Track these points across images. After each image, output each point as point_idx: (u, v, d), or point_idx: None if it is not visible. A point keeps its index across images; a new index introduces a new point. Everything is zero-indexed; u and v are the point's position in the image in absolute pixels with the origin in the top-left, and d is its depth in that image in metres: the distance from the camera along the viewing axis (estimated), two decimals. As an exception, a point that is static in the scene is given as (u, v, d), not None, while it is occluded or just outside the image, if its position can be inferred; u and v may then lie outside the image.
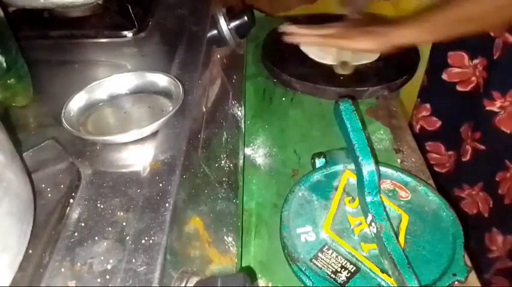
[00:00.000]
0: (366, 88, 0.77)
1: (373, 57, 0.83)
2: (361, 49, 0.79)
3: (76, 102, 0.50)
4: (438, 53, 0.89)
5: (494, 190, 0.84)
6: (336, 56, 0.83)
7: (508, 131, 0.77)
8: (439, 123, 0.94)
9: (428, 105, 0.95)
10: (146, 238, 0.34)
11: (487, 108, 0.78)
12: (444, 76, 0.88)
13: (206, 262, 0.40)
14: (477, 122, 0.84)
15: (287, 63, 0.85)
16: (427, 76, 0.95)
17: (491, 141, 0.81)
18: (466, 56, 0.83)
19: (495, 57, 0.76)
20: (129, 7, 0.68)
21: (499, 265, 0.88)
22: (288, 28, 0.86)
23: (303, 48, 0.87)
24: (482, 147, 0.83)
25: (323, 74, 0.81)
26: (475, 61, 0.82)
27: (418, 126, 0.98)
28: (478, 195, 0.87)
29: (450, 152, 0.95)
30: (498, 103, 0.77)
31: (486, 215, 0.87)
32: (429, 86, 0.94)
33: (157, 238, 0.34)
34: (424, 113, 0.96)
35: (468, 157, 0.86)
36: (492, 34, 0.75)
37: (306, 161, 0.65)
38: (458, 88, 0.87)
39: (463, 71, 0.85)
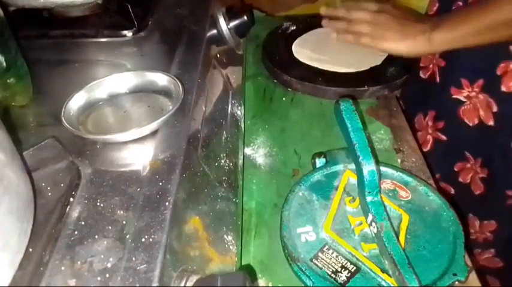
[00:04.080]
0: (366, 88, 0.77)
1: (380, 60, 0.84)
2: (388, 51, 0.77)
3: (76, 102, 0.50)
4: None
5: (455, 180, 0.84)
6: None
7: (471, 124, 0.76)
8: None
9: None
10: (146, 237, 0.35)
11: (454, 96, 0.77)
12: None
13: (206, 260, 0.41)
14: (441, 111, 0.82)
15: (287, 63, 0.85)
16: None
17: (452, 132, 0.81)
18: None
19: None
20: (129, 7, 0.69)
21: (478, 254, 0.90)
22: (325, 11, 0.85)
23: (296, 54, 0.88)
24: (443, 137, 0.82)
25: (323, 74, 0.81)
26: None
27: None
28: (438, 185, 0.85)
29: None
30: (465, 92, 0.75)
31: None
32: None
33: (157, 236, 0.35)
34: None
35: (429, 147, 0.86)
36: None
37: (306, 161, 0.66)
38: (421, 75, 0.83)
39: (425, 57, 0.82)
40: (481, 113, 0.75)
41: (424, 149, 0.83)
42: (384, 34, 0.75)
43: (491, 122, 0.74)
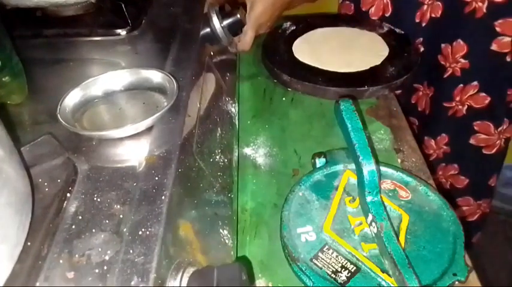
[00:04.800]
0: (366, 88, 0.79)
1: (380, 60, 0.86)
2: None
3: (71, 99, 0.52)
4: None
5: (415, 111, 1.08)
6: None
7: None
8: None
9: None
10: (143, 230, 0.37)
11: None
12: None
13: (202, 252, 0.43)
14: None
15: (287, 63, 0.88)
16: None
17: None
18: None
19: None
20: (123, 5, 0.71)
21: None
22: None
23: (296, 54, 0.90)
24: None
25: (323, 74, 0.83)
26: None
27: None
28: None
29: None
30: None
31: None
32: None
33: (154, 229, 0.37)
34: None
35: None
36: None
37: (307, 161, 0.68)
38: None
39: None
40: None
41: None
42: None
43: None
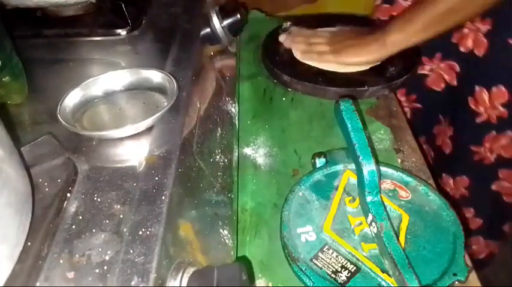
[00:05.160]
0: (366, 88, 0.79)
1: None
2: (351, 64, 0.84)
3: (71, 99, 0.52)
4: None
5: (433, 142, 1.01)
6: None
7: (438, 89, 0.95)
8: None
9: None
10: (143, 230, 0.37)
11: (419, 72, 0.93)
12: None
13: (202, 252, 0.43)
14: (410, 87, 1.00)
15: (287, 63, 0.88)
16: None
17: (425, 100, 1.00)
18: None
19: None
20: (123, 5, 0.71)
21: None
22: (284, 40, 0.93)
23: (295, 55, 0.90)
24: (419, 105, 1.02)
25: (323, 74, 0.84)
26: None
27: None
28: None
29: None
30: (428, 67, 0.94)
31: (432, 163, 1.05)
32: None
33: (154, 229, 0.37)
34: None
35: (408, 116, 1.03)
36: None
37: (307, 160, 0.68)
38: None
39: None
40: (446, 77, 0.92)
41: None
42: (343, 49, 0.84)
43: (454, 82, 0.91)
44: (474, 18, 0.81)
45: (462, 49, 0.86)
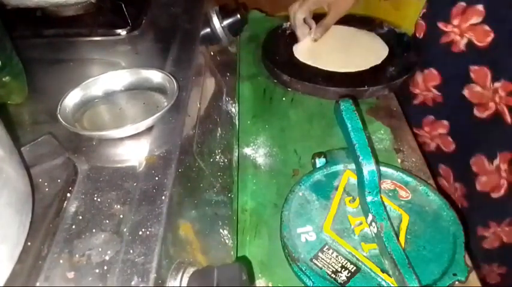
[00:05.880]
0: (366, 88, 0.79)
1: (380, 60, 0.86)
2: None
3: (71, 99, 0.52)
4: None
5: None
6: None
7: None
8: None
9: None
10: (143, 230, 0.37)
11: None
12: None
13: (202, 252, 0.43)
14: None
15: (287, 63, 0.88)
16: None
17: None
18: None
19: None
20: (123, 5, 0.71)
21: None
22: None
23: (296, 54, 0.90)
24: None
25: (323, 74, 0.84)
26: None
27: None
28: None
29: None
30: None
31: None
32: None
33: (154, 229, 0.37)
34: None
35: None
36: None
37: (307, 160, 0.68)
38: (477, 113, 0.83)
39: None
40: None
41: (497, 194, 0.79)
42: None
43: None
44: None
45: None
